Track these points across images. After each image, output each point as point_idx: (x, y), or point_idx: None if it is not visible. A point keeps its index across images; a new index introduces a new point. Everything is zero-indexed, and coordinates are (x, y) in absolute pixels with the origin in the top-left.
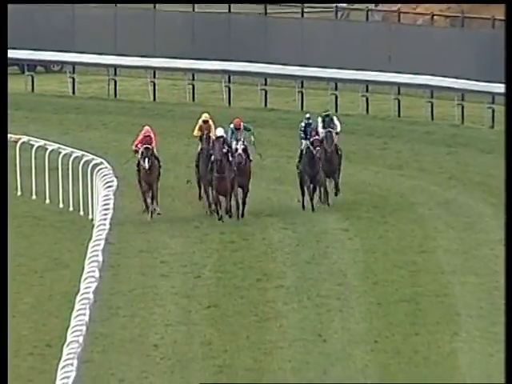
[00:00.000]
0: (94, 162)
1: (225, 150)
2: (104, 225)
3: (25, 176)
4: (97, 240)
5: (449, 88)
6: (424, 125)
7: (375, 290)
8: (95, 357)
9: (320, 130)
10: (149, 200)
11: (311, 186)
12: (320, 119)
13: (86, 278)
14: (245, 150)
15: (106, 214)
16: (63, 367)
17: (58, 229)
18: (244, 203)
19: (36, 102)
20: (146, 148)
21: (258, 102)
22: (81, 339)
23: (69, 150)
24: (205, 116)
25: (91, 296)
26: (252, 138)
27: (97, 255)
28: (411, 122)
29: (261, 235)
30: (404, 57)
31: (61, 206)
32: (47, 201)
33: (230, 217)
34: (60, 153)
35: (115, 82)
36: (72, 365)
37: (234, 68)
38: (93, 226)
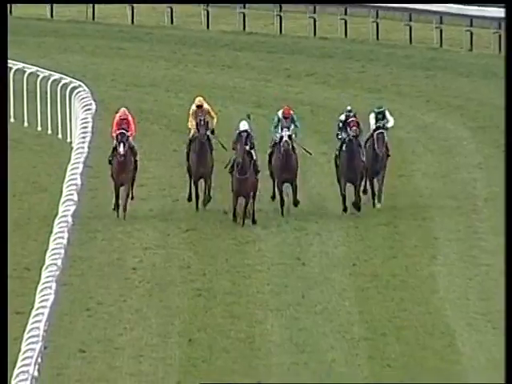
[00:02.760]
0: (72, 85)
1: (247, 148)
2: (82, 148)
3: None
4: (75, 163)
5: (427, 11)
6: (402, 48)
7: (353, 215)
8: (74, 280)
9: (372, 124)
10: (119, 198)
11: (347, 183)
12: (373, 115)
13: (64, 202)
14: (290, 137)
15: (84, 138)
16: (42, 290)
17: (37, 152)
18: (295, 201)
19: (14, 26)
20: (122, 133)
21: (236, 25)
22: (59, 262)
23: (47, 73)
24: (198, 100)
25: (70, 219)
26: (298, 133)
27: (75, 178)
28: (390, 45)
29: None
30: None
31: (39, 129)
32: (25, 124)
33: (254, 222)
34: (38, 76)
35: (93, 5)
36: (50, 288)
37: None
38: (71, 149)
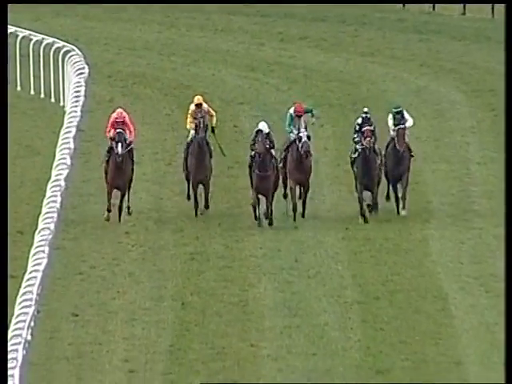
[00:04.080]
0: (65, 48)
1: (267, 145)
2: (75, 112)
3: None
4: (68, 127)
5: None
6: (395, 12)
7: (346, 177)
8: (67, 244)
9: (390, 126)
10: (114, 201)
11: (364, 193)
12: (390, 115)
13: (57, 165)
14: (309, 137)
15: (77, 102)
16: (35, 254)
17: (30, 116)
18: (305, 203)
19: None
20: (120, 133)
21: None
22: (52, 226)
23: (40, 36)
24: (197, 99)
25: (63, 183)
26: (313, 120)
27: (68, 142)
28: (383, 9)
29: (232, 123)
30: None
31: (32, 93)
32: (18, 88)
33: (271, 223)
34: (31, 40)
35: None
36: (43, 252)
37: None
38: (64, 112)
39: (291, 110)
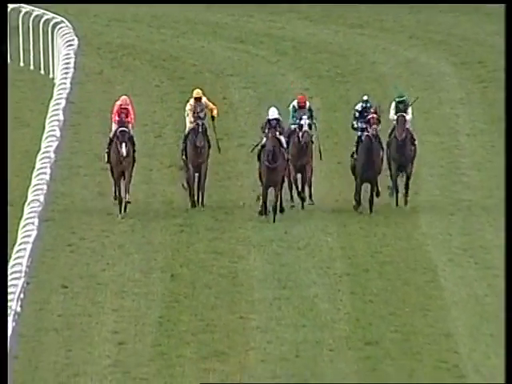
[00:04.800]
0: (54, 20)
1: (277, 134)
2: (65, 84)
3: None
4: (58, 99)
5: None
6: None
7: (336, 150)
8: (56, 216)
9: (392, 116)
10: (121, 191)
11: (363, 182)
12: (393, 104)
13: (47, 137)
14: (310, 126)
15: (66, 73)
16: (24, 226)
17: (19, 87)
18: (304, 197)
19: None
20: (123, 132)
21: None
22: (42, 198)
23: (29, 8)
24: (196, 93)
25: (52, 155)
26: (313, 120)
27: (58, 114)
28: None
29: (222, 94)
30: None
31: (21, 64)
32: (8, 60)
33: (282, 211)
34: (20, 11)
35: None
36: (33, 224)
37: None
38: (54, 84)
39: (294, 103)
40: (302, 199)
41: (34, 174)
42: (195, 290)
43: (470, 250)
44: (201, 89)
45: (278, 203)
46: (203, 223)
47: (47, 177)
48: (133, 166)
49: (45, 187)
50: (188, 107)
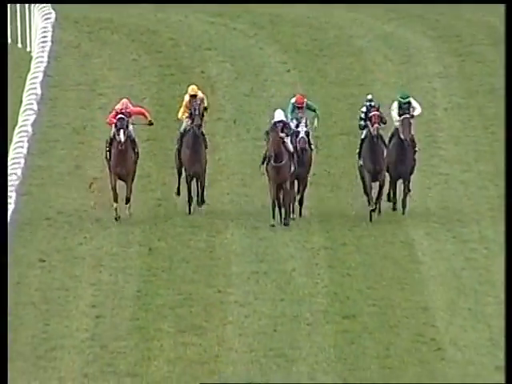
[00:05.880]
0: None
1: (283, 134)
2: (42, 57)
3: None
4: (35, 72)
5: None
6: None
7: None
8: (33, 189)
9: (395, 116)
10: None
11: (372, 184)
12: (396, 104)
13: (24, 111)
14: (307, 134)
15: (44, 47)
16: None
17: None
18: (301, 202)
19: None
20: (121, 118)
21: None
22: (19, 172)
23: None
24: (192, 89)
25: (29, 129)
26: (315, 123)
27: (35, 88)
28: None
29: (199, 68)
30: None
31: None
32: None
33: (291, 218)
34: None
35: None
36: (10, 197)
37: None
38: (31, 58)
39: (293, 100)
40: (300, 204)
41: (12, 147)
42: (173, 264)
43: (448, 224)
44: (197, 85)
45: (288, 214)
46: (181, 197)
47: (24, 150)
48: (135, 167)
49: (22, 161)
50: (183, 103)
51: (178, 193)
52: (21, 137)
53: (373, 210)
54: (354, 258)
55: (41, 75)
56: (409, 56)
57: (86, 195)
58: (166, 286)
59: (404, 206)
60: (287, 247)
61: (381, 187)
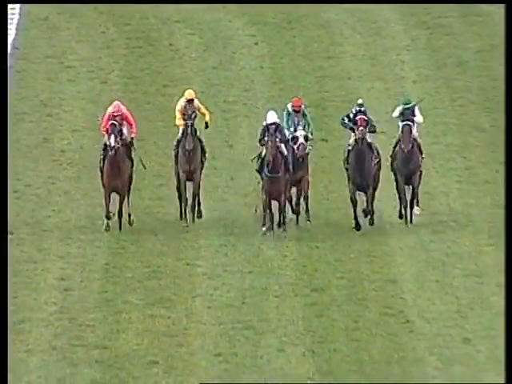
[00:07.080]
0: None
1: (278, 141)
2: (10, 30)
3: None
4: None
5: None
6: None
7: (282, 96)
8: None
9: (399, 123)
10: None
11: (357, 193)
12: (398, 110)
13: None
14: (306, 138)
15: (11, 19)
16: None
17: None
18: (298, 212)
19: None
20: (113, 124)
21: None
22: None
23: None
24: (188, 93)
25: None
26: (309, 132)
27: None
28: None
29: (168, 41)
30: None
31: None
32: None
33: (284, 229)
34: None
35: None
36: None
37: None
38: None
39: (289, 106)
40: (297, 214)
41: None
42: (141, 237)
43: (416, 196)
44: (194, 90)
45: (282, 222)
46: (149, 170)
47: None
48: (131, 175)
49: None
50: (178, 107)
51: (179, 195)
52: None
53: (357, 221)
54: (323, 230)
55: (8, 47)
56: (377, 29)
57: (54, 167)
58: (135, 259)
59: (409, 213)
60: (256, 220)
61: (368, 195)
